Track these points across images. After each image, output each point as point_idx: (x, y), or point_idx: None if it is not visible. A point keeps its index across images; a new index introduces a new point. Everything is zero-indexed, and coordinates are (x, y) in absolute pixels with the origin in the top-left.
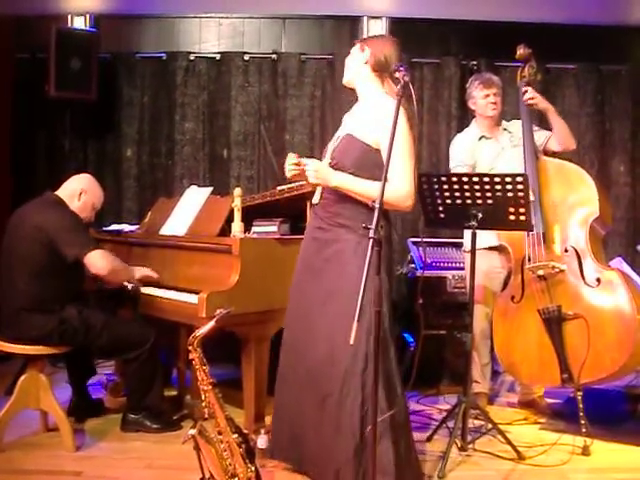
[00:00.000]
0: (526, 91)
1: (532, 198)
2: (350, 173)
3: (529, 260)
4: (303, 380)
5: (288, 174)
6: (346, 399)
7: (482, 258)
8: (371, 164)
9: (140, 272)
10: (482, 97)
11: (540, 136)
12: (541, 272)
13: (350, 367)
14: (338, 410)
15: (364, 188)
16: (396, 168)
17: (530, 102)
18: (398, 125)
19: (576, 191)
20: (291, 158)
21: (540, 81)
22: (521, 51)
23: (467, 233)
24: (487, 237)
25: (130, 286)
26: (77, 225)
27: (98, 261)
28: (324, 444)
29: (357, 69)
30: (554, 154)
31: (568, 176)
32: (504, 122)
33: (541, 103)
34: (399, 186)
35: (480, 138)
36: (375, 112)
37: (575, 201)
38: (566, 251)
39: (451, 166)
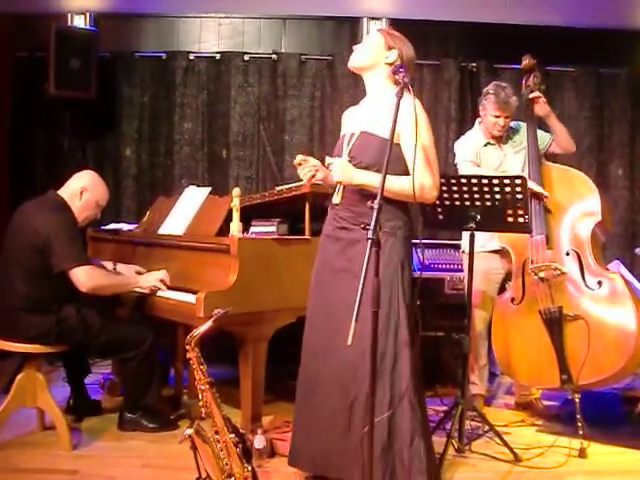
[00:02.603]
0: (535, 97)
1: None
2: (374, 170)
3: (531, 263)
4: (331, 384)
5: (305, 177)
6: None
7: (481, 260)
8: (392, 159)
9: (147, 282)
10: (493, 116)
11: (544, 138)
12: (542, 274)
13: (378, 367)
14: (366, 410)
15: (389, 183)
16: (419, 160)
17: (537, 101)
18: (420, 118)
19: (579, 196)
20: (307, 160)
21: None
22: (526, 62)
23: (465, 235)
24: (489, 241)
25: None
26: (70, 236)
27: (81, 277)
28: (351, 446)
29: (376, 61)
30: (554, 156)
31: (571, 181)
32: None
33: (545, 106)
34: (423, 178)
35: (485, 144)
36: (393, 108)
37: (578, 206)
38: (567, 254)
39: (457, 161)
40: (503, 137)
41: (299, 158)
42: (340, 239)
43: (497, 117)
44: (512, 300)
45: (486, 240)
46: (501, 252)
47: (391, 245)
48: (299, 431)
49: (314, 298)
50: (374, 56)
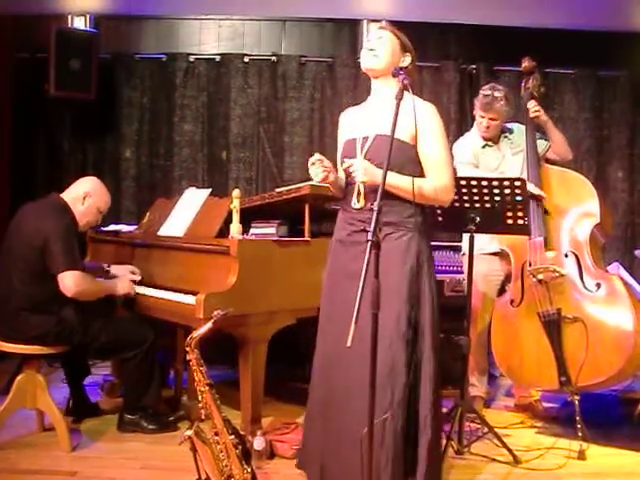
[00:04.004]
0: (532, 105)
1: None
2: (395, 172)
3: (530, 265)
4: (350, 390)
5: (317, 177)
6: (398, 407)
7: (481, 262)
8: (408, 161)
9: (123, 288)
10: (478, 116)
11: (542, 145)
12: (541, 276)
13: (400, 369)
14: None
15: (406, 184)
16: (436, 163)
17: (535, 115)
18: (435, 121)
19: (577, 198)
20: (323, 161)
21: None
22: (526, 64)
23: (466, 237)
24: (489, 243)
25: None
26: (67, 240)
27: (66, 282)
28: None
29: (393, 64)
30: (552, 162)
31: (570, 183)
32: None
33: (543, 116)
34: (440, 181)
35: (484, 146)
36: (409, 110)
37: (576, 208)
38: (566, 256)
39: (455, 162)
40: (501, 138)
41: (316, 157)
42: (356, 242)
43: (482, 117)
44: (511, 302)
45: (486, 242)
46: (501, 254)
47: (417, 241)
48: (309, 436)
49: (329, 305)
50: (393, 59)
